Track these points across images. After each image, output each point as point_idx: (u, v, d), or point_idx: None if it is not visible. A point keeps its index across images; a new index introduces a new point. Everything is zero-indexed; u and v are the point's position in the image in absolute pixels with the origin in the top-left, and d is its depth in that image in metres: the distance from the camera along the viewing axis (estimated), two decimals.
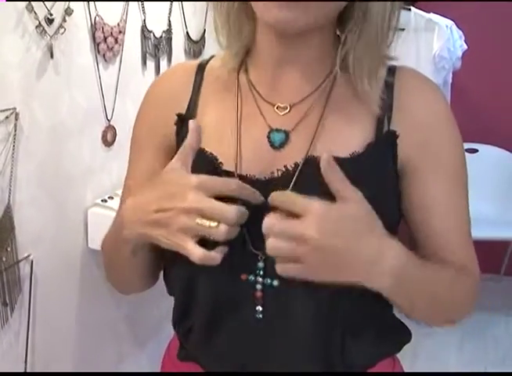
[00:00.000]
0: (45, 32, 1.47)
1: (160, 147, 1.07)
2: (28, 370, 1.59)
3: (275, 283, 0.94)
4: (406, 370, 1.15)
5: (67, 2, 1.50)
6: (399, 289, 0.91)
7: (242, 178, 0.96)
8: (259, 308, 0.96)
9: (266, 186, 0.94)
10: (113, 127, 1.79)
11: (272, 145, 0.98)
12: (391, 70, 1.01)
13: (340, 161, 0.90)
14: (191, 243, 0.85)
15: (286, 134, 0.98)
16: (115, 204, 1.73)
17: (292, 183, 0.94)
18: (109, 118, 1.77)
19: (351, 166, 0.92)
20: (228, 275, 0.94)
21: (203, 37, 2.25)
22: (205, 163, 0.97)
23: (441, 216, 1.02)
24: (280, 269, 0.84)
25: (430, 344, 2.91)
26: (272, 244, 0.83)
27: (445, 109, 1.03)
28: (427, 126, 1.00)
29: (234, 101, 1.02)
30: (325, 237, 0.82)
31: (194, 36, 2.18)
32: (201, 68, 1.07)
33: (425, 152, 0.99)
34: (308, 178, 0.94)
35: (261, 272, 0.94)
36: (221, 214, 0.84)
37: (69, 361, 1.79)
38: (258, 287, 0.95)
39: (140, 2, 1.82)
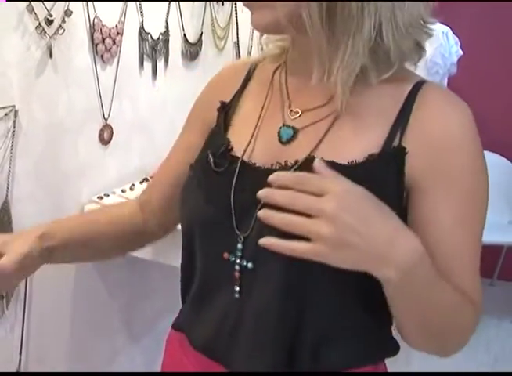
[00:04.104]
0: (45, 32, 1.50)
1: (200, 129, 1.16)
2: (23, 362, 1.63)
3: (250, 265, 0.98)
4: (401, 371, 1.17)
5: (67, 4, 1.54)
6: (404, 287, 0.90)
7: (243, 163, 1.04)
8: (236, 288, 1.00)
9: (263, 175, 0.96)
10: (110, 126, 1.83)
11: (280, 139, 1.04)
12: (418, 85, 1.00)
13: (335, 167, 0.95)
14: None
15: (295, 131, 1.03)
16: (111, 201, 1.77)
17: None
18: (106, 117, 1.80)
19: (346, 173, 0.96)
20: (214, 253, 0.99)
21: (200, 39, 2.29)
22: (217, 145, 1.08)
23: (447, 240, 0.98)
24: (288, 247, 0.84)
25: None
26: (288, 219, 0.83)
27: (466, 134, 0.98)
28: (440, 148, 0.97)
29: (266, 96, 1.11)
30: (344, 215, 0.82)
31: (191, 38, 2.22)
32: (254, 64, 1.16)
33: (435, 174, 0.97)
34: None
35: (239, 254, 0.98)
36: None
37: (63, 354, 1.83)
38: (237, 267, 0.99)
39: (138, 4, 1.86)
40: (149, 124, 2.04)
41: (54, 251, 1.10)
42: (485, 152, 1.02)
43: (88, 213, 1.43)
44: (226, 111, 1.13)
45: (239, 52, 2.58)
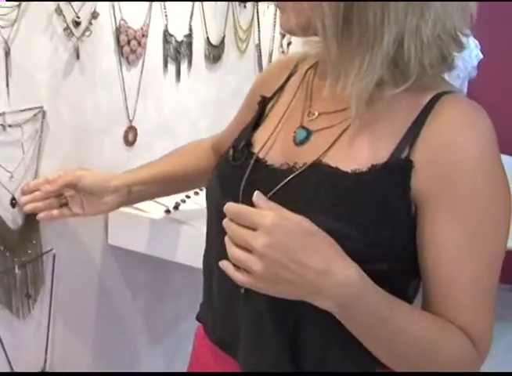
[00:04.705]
0: (72, 34, 1.52)
1: (244, 116, 1.26)
2: (48, 361, 1.64)
3: None
4: None
5: (94, 6, 1.55)
6: (347, 317, 0.90)
7: (257, 160, 1.09)
8: None
9: (272, 173, 1.05)
10: (135, 127, 1.84)
11: (294, 140, 1.06)
12: (437, 96, 0.97)
13: (338, 174, 0.98)
14: None
15: (309, 133, 1.06)
16: None
17: (286, 180, 1.03)
18: (130, 119, 1.82)
19: (348, 181, 0.97)
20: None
21: (222, 41, 2.30)
22: (242, 139, 1.15)
23: (447, 264, 0.95)
24: (232, 275, 0.88)
25: None
26: (232, 251, 0.87)
27: (482, 153, 0.93)
28: (449, 165, 0.93)
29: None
30: (273, 252, 0.83)
31: (214, 41, 2.23)
32: (300, 60, 1.22)
33: (441, 191, 0.94)
34: (304, 180, 1.01)
35: None
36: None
37: (87, 354, 1.84)
38: None
39: (163, 7, 1.87)
40: (172, 126, 2.05)
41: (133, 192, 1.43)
42: (505, 156, 0.99)
43: (165, 163, 1.52)
44: (265, 105, 1.18)
45: (260, 55, 2.59)
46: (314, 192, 0.99)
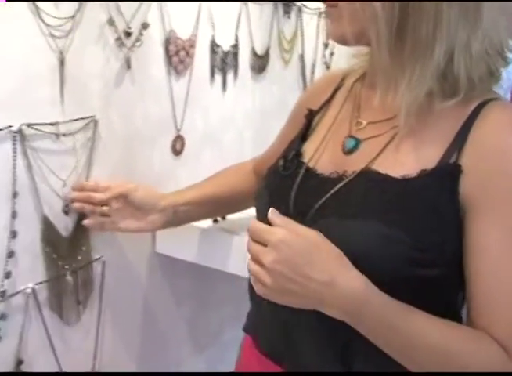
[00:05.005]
0: (124, 44, 1.54)
1: (289, 132, 1.26)
2: (96, 367, 1.66)
3: None
4: None
5: (144, 17, 1.58)
6: (358, 326, 0.94)
7: (308, 169, 1.10)
8: None
9: (322, 182, 1.07)
10: (182, 137, 1.85)
11: (343, 149, 1.08)
12: (483, 103, 0.98)
13: (388, 180, 0.99)
14: None
15: (357, 142, 1.07)
16: None
17: (336, 188, 1.04)
18: (178, 128, 1.83)
19: (397, 187, 0.98)
20: None
21: (267, 52, 2.31)
22: (291, 150, 1.16)
23: (488, 273, 0.93)
24: (254, 285, 0.95)
25: None
26: (249, 264, 0.94)
27: None
28: (496, 170, 0.93)
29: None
30: (279, 267, 0.89)
31: (259, 51, 2.25)
32: (346, 74, 1.23)
33: (488, 197, 0.94)
34: (354, 187, 1.02)
35: None
36: None
37: (133, 361, 1.86)
38: None
39: (210, 17, 1.88)
40: (219, 135, 2.06)
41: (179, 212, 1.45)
42: None
43: (212, 185, 1.53)
44: (312, 118, 1.19)
45: (304, 65, 2.59)
46: (364, 198, 1.00)
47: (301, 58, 2.58)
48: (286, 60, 2.47)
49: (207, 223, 1.71)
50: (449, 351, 0.91)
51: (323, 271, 0.90)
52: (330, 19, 1.04)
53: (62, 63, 1.36)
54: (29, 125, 1.31)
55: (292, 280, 0.89)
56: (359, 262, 0.92)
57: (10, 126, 1.27)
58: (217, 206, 1.51)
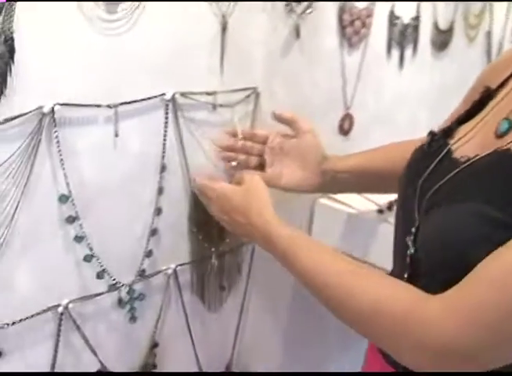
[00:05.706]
0: (293, 11, 1.41)
1: (462, 107, 1.14)
2: (234, 357, 1.58)
3: (417, 253, 0.98)
4: None
5: None
6: (274, 254, 1.11)
7: (449, 151, 1.01)
8: (405, 275, 1.01)
9: (453, 165, 0.96)
10: (351, 115, 1.71)
11: (496, 132, 0.95)
12: None
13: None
14: None
15: (510, 125, 0.94)
16: (344, 196, 1.65)
17: (455, 171, 0.94)
18: (348, 106, 1.69)
19: None
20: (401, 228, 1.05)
21: (451, 27, 2.11)
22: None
23: None
24: None
25: None
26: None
27: None
28: None
29: None
30: (216, 212, 1.23)
31: (442, 25, 2.05)
32: None
33: None
34: (485, 170, 0.91)
35: (412, 238, 0.99)
36: None
37: (274, 353, 1.78)
38: (408, 252, 1.00)
39: None
40: (391, 116, 1.90)
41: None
42: None
43: (374, 155, 1.41)
44: (487, 96, 1.07)
45: (490, 44, 2.37)
46: (479, 182, 0.90)
47: (488, 35, 2.36)
48: (470, 37, 2.26)
49: (371, 214, 1.58)
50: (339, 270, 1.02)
51: (240, 214, 1.16)
52: None
53: (224, 28, 1.25)
54: (182, 94, 1.21)
55: (224, 219, 1.21)
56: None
57: (163, 94, 1.18)
58: (376, 179, 1.37)
